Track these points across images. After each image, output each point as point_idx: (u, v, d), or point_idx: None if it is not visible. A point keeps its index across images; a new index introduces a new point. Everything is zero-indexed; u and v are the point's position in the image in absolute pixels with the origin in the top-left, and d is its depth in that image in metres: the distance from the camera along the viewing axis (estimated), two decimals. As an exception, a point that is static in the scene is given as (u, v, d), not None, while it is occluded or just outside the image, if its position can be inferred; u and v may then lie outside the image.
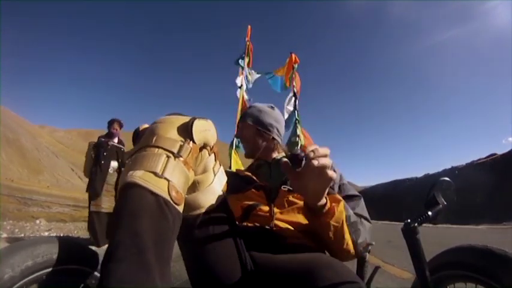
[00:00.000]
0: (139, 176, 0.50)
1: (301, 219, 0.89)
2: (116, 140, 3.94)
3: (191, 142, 0.58)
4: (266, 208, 0.90)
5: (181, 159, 0.56)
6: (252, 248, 0.78)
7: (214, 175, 0.67)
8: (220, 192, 0.68)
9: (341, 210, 0.75)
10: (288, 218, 0.89)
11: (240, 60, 4.55)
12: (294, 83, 4.95)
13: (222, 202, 0.69)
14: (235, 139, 3.56)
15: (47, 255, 0.60)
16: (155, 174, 0.51)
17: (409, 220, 0.72)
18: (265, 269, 0.70)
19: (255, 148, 1.10)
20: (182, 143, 0.57)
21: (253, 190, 0.97)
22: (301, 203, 0.90)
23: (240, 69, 4.49)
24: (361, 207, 0.92)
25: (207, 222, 0.66)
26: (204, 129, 0.62)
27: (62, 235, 4.54)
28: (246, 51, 4.71)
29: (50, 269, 0.61)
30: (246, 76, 4.52)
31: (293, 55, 5.11)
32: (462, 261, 0.75)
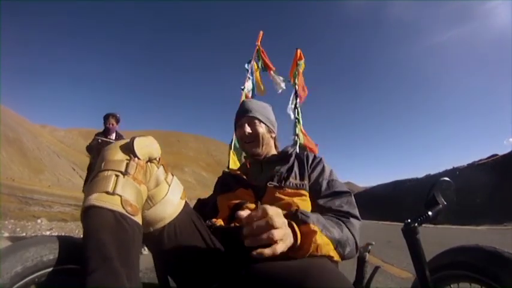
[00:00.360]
0: (94, 198, 0.57)
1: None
2: (113, 135, 3.73)
3: (136, 158, 0.65)
4: (253, 206, 0.90)
5: (130, 175, 0.62)
6: (238, 248, 0.76)
7: (169, 186, 0.71)
8: (179, 200, 0.72)
9: (316, 244, 0.69)
10: None
11: (246, 64, 4.55)
12: (297, 81, 4.89)
13: (184, 209, 0.73)
14: (234, 138, 3.52)
15: (36, 258, 0.59)
16: (107, 193, 0.58)
17: (409, 220, 0.72)
18: (256, 276, 0.67)
19: (266, 146, 1.08)
20: (128, 161, 0.64)
21: (242, 189, 0.97)
22: (288, 199, 0.90)
23: (246, 72, 4.49)
24: (350, 204, 0.88)
25: (173, 232, 0.70)
26: (146, 145, 0.68)
27: (63, 234, 4.54)
28: (256, 55, 4.70)
29: (42, 271, 0.60)
30: (253, 80, 4.52)
31: (298, 51, 5.01)
32: (462, 261, 0.74)
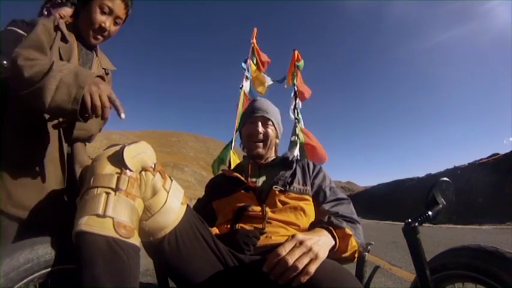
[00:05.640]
0: (84, 223, 0.53)
1: (294, 218, 0.89)
2: None
3: (128, 171, 0.60)
4: (258, 208, 0.90)
5: (121, 191, 0.57)
6: (244, 251, 0.78)
7: (168, 193, 0.66)
8: (179, 207, 0.68)
9: (351, 246, 0.76)
10: (281, 217, 0.89)
11: (242, 63, 4.53)
12: (295, 81, 4.90)
13: (185, 215, 0.69)
14: (234, 137, 3.51)
15: (35, 258, 0.59)
16: (98, 215, 0.54)
17: (409, 220, 0.72)
18: (265, 279, 0.66)
19: (271, 149, 1.09)
20: (119, 175, 0.59)
21: (242, 191, 0.96)
22: (293, 202, 0.91)
23: (244, 71, 4.48)
24: (351, 211, 0.93)
25: (174, 240, 0.67)
26: (137, 153, 0.62)
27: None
28: (251, 53, 4.68)
29: (41, 272, 0.60)
30: (251, 79, 4.52)
31: (296, 52, 5.01)
32: (463, 261, 0.74)
